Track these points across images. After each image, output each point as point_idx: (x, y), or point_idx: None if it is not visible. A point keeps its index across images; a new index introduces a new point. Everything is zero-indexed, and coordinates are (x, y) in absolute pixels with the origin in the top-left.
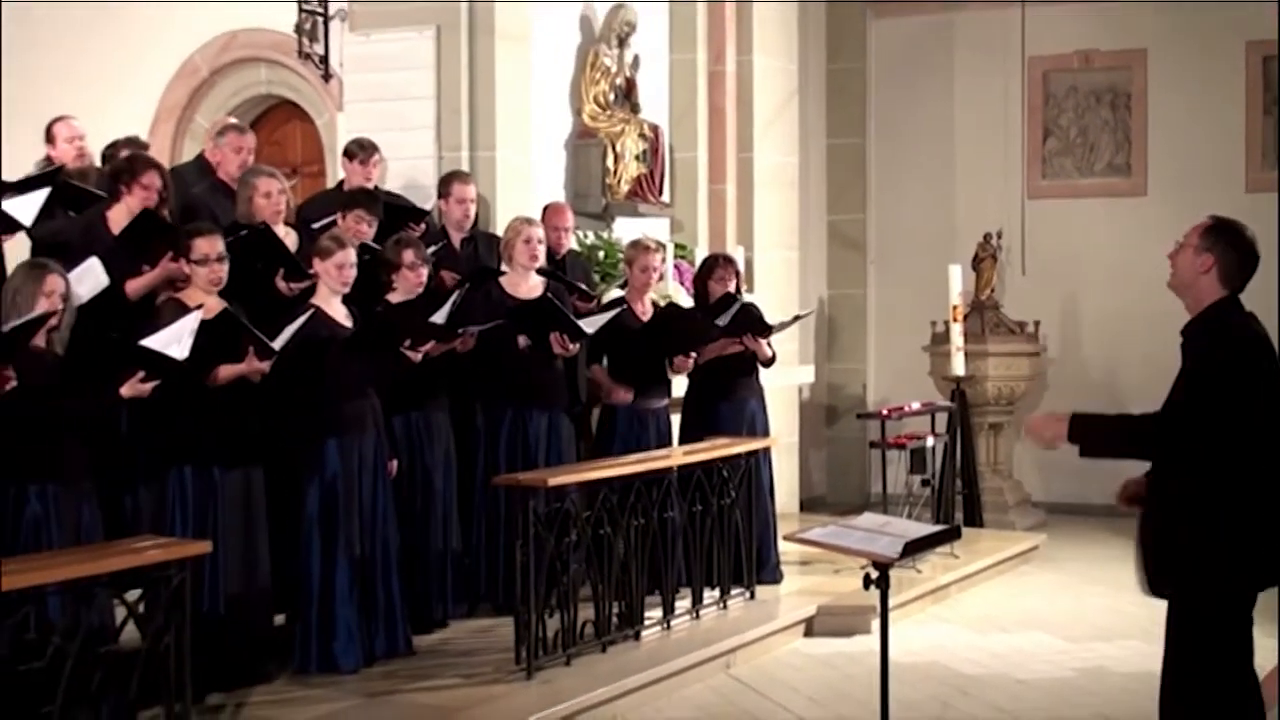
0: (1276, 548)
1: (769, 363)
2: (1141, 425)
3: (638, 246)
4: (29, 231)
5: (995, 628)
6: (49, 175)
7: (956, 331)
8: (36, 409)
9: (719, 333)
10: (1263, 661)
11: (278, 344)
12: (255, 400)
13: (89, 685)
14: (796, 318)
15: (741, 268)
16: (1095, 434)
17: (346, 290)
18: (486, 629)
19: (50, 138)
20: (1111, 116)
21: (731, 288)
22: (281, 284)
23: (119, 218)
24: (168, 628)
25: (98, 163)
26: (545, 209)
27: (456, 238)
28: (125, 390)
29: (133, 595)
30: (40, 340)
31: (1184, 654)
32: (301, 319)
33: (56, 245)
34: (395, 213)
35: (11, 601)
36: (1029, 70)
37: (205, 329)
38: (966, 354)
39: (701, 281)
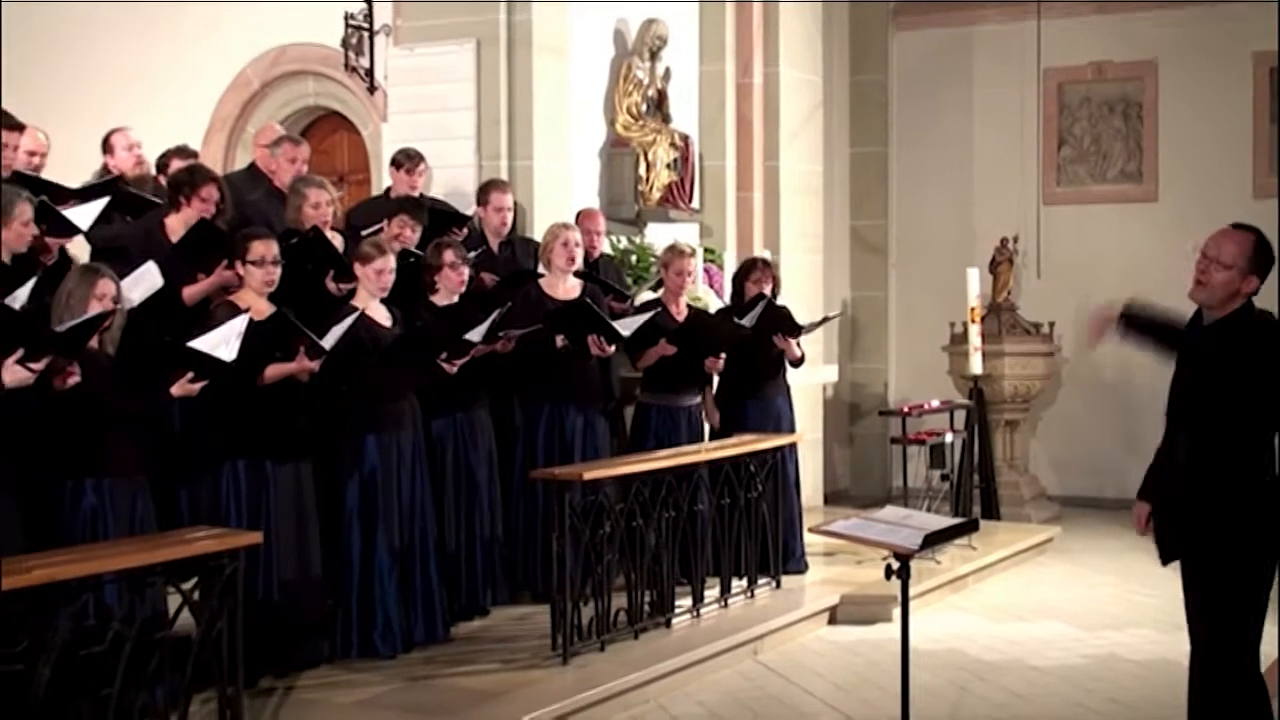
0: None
1: (798, 363)
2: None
3: (673, 251)
4: (88, 236)
5: (1011, 616)
6: (108, 184)
7: (974, 332)
8: (91, 407)
9: (746, 333)
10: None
11: (328, 344)
12: (303, 398)
13: (146, 669)
14: (826, 319)
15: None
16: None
17: (385, 294)
18: (524, 616)
19: (108, 148)
20: (1124, 125)
21: (768, 290)
22: (332, 285)
23: (176, 227)
24: (221, 614)
25: (153, 169)
26: (579, 214)
27: (495, 243)
28: (175, 390)
29: (189, 584)
30: (93, 341)
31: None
32: (349, 320)
33: (115, 250)
34: (438, 218)
35: (71, 590)
36: (1044, 81)
37: (259, 329)
38: (984, 354)
39: (739, 283)
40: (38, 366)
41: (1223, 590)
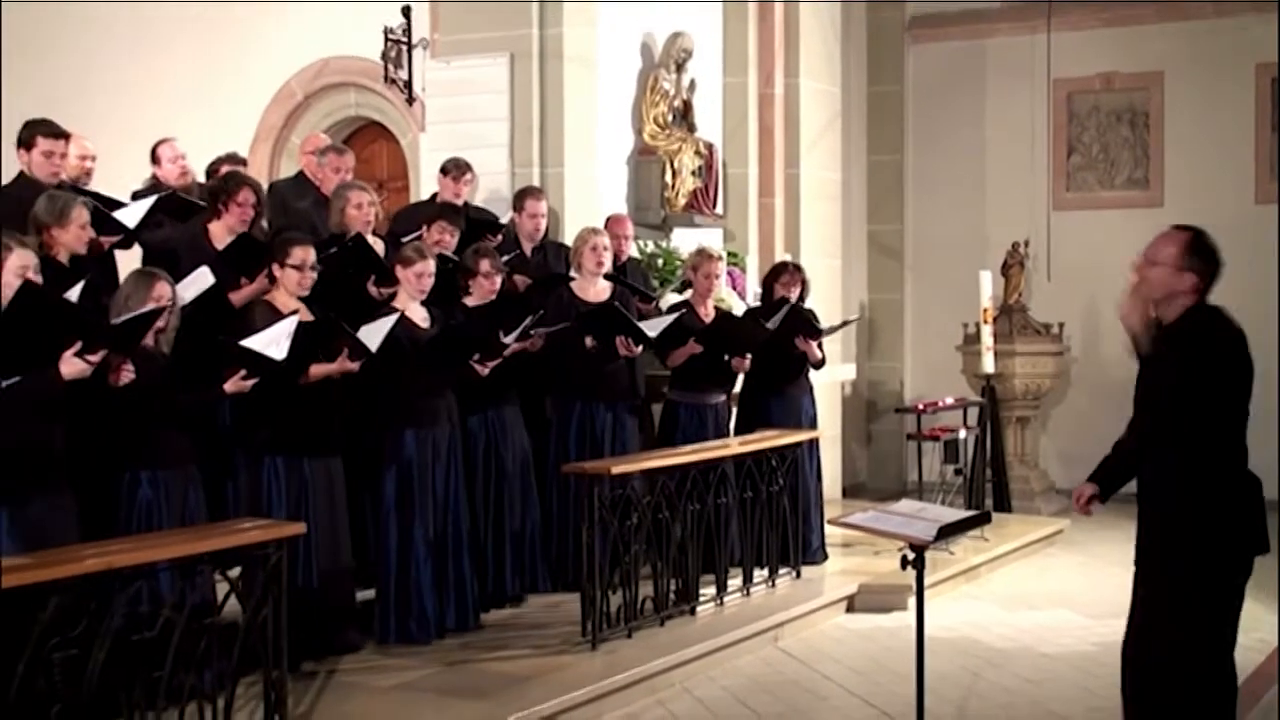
0: (1255, 523)
1: (819, 365)
2: (1124, 451)
3: (702, 255)
4: (140, 240)
5: (1022, 605)
6: (159, 195)
7: (987, 332)
8: (148, 403)
9: (769, 334)
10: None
11: (373, 346)
12: (339, 397)
13: (195, 653)
14: (845, 322)
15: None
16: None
17: (424, 296)
18: (555, 604)
19: (155, 158)
20: (1130, 134)
21: (796, 292)
22: (373, 289)
23: (219, 232)
24: (265, 601)
25: (201, 178)
26: (608, 219)
27: (528, 247)
28: (229, 387)
29: (234, 572)
30: (149, 340)
31: (1163, 624)
32: (391, 321)
33: (165, 252)
34: (476, 225)
35: (125, 577)
36: (1054, 91)
37: (305, 331)
38: (996, 353)
39: (769, 285)
40: (94, 359)
41: (1192, 598)
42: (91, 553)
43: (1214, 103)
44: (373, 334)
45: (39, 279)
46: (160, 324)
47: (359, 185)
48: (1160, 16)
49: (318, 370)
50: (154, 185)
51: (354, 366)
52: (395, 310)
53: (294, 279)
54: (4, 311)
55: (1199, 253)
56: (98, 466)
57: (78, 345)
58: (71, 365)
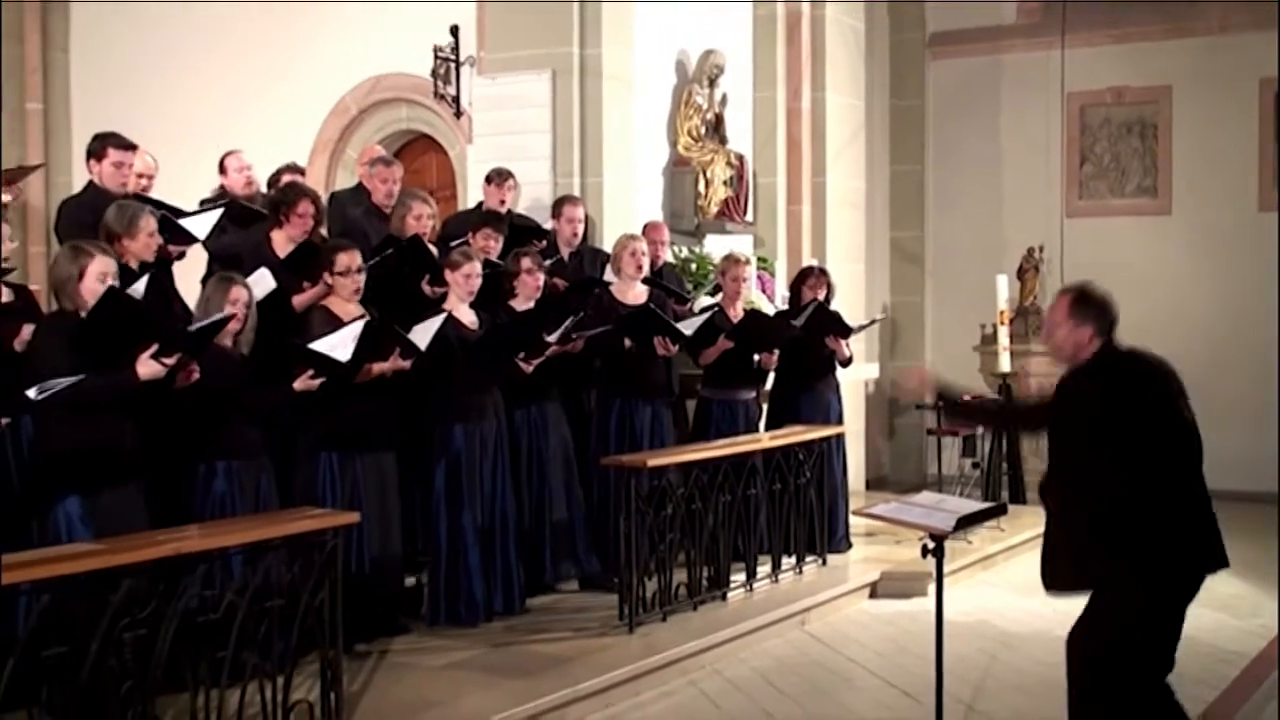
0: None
1: (847, 362)
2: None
3: (730, 260)
4: (207, 246)
5: (1036, 592)
6: (225, 205)
7: (1003, 334)
8: (222, 399)
9: (795, 332)
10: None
11: (423, 345)
12: (391, 395)
13: (256, 634)
14: (873, 321)
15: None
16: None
17: (472, 298)
18: (594, 589)
19: (223, 169)
20: (1140, 145)
21: (821, 295)
22: (427, 288)
23: (280, 240)
24: (323, 585)
25: (263, 187)
26: (646, 226)
27: (566, 252)
28: (298, 385)
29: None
30: (227, 341)
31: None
32: (439, 321)
33: (231, 258)
34: (520, 231)
35: (191, 562)
36: (1067, 104)
37: (367, 332)
38: (1012, 353)
39: (796, 288)
40: (170, 362)
41: (1121, 629)
42: (159, 539)
43: (1219, 115)
44: (422, 334)
45: (117, 284)
46: (236, 325)
47: (421, 197)
48: (1168, 34)
49: (376, 368)
50: (221, 194)
51: (406, 365)
52: (444, 311)
53: (345, 285)
54: (89, 314)
55: (1086, 304)
56: (174, 459)
57: (154, 348)
58: (148, 366)
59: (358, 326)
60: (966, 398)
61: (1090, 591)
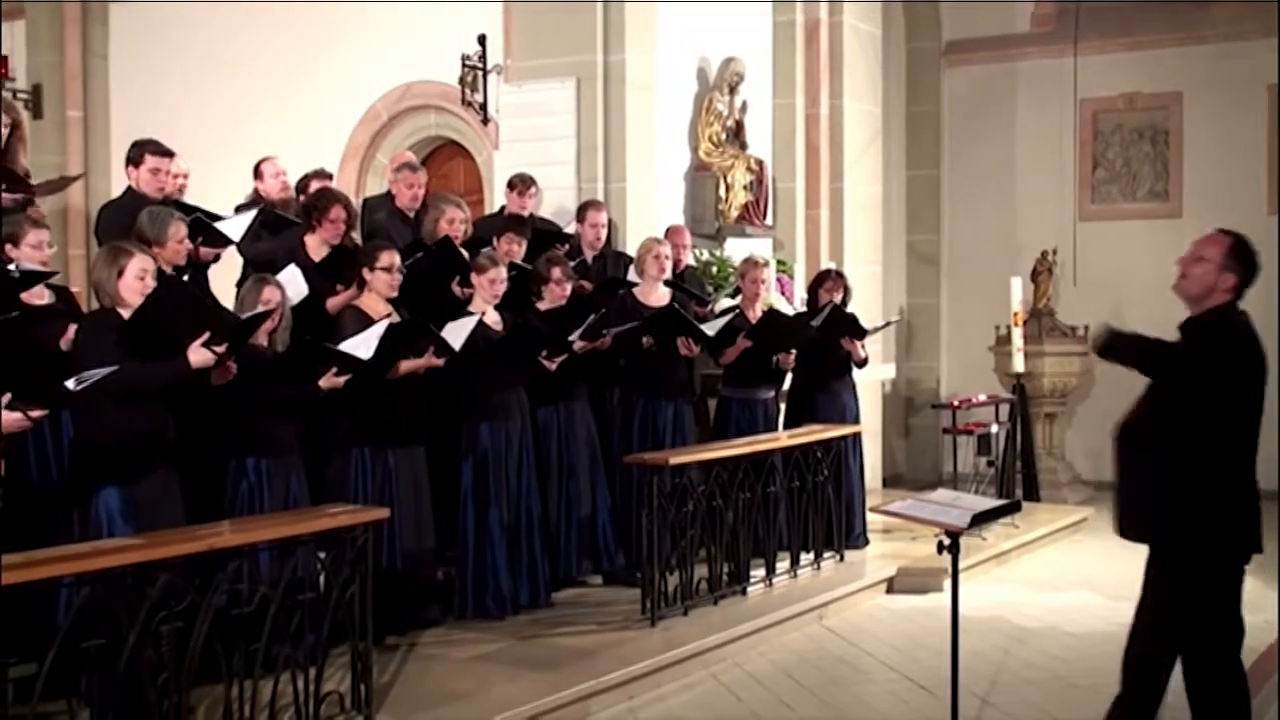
0: (1249, 518)
1: (862, 364)
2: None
3: (749, 262)
4: (242, 251)
5: (1049, 588)
6: (257, 211)
7: (1017, 335)
8: (254, 395)
9: (812, 332)
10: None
11: (456, 344)
12: (422, 392)
13: (289, 627)
14: (889, 323)
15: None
16: (1122, 345)
17: (497, 300)
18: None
19: (258, 174)
20: (1152, 150)
21: (838, 297)
22: (457, 289)
23: (314, 245)
24: (353, 579)
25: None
26: (669, 230)
27: (589, 255)
28: (323, 383)
29: (324, 553)
30: (262, 340)
31: (1166, 602)
32: (472, 323)
33: (265, 263)
34: (543, 236)
35: (227, 557)
36: (1080, 110)
37: (395, 330)
38: (1026, 354)
39: (814, 290)
40: (220, 350)
41: (1198, 593)
42: (197, 535)
43: (1229, 121)
44: (455, 334)
45: (154, 284)
46: (270, 325)
47: (454, 201)
48: (1179, 41)
49: (406, 366)
50: (256, 199)
51: (439, 362)
52: (473, 313)
53: (384, 280)
54: (144, 301)
55: (1242, 254)
56: (207, 454)
57: (206, 335)
58: (199, 355)
59: (380, 327)
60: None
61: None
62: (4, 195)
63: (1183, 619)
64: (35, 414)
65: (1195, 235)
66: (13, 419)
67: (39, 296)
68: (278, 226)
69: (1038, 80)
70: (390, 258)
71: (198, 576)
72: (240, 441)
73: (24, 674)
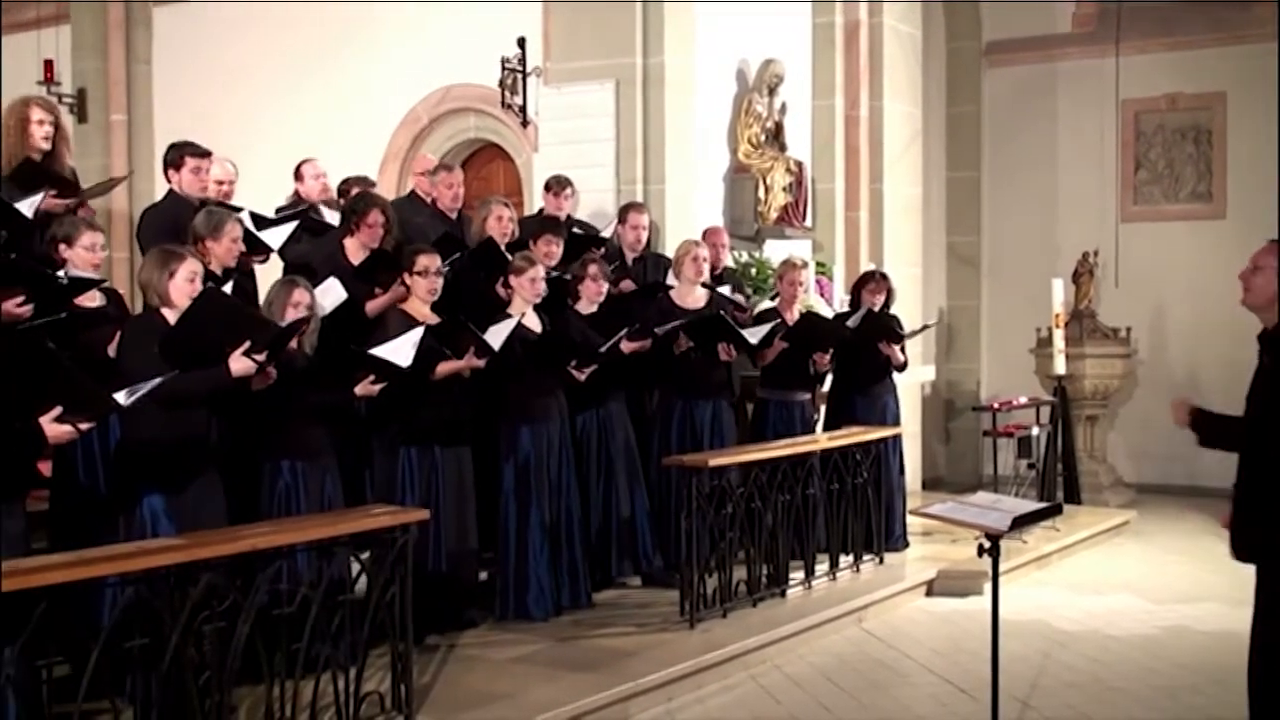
0: None
1: (902, 368)
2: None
3: (787, 264)
4: (282, 255)
5: (1090, 591)
6: (298, 214)
7: (1058, 336)
8: (289, 400)
9: (848, 334)
10: None
11: (495, 344)
12: (467, 393)
13: (330, 627)
14: (925, 326)
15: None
16: (1210, 429)
17: (538, 300)
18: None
19: (298, 176)
20: (1194, 150)
21: (881, 299)
22: (501, 290)
23: (353, 248)
24: (394, 580)
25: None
26: (706, 230)
27: (630, 257)
28: (358, 390)
29: (366, 553)
30: (292, 343)
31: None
32: (511, 324)
33: (304, 266)
34: (579, 239)
35: (268, 558)
36: (1122, 111)
37: (433, 331)
38: (1067, 356)
39: (857, 292)
40: (260, 359)
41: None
42: (239, 535)
43: (1273, 120)
44: (496, 335)
45: (201, 286)
46: (303, 327)
47: (502, 201)
48: (1221, 41)
49: (446, 367)
50: (296, 201)
51: (480, 363)
52: (512, 315)
53: (422, 285)
54: (186, 311)
55: None
56: (244, 457)
57: (246, 344)
58: (241, 363)
59: (416, 335)
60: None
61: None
62: (52, 199)
63: None
64: (84, 426)
65: (1238, 236)
66: (61, 432)
67: (90, 299)
68: (318, 230)
69: (1079, 81)
70: (427, 261)
71: (240, 577)
72: (275, 444)
73: (63, 674)
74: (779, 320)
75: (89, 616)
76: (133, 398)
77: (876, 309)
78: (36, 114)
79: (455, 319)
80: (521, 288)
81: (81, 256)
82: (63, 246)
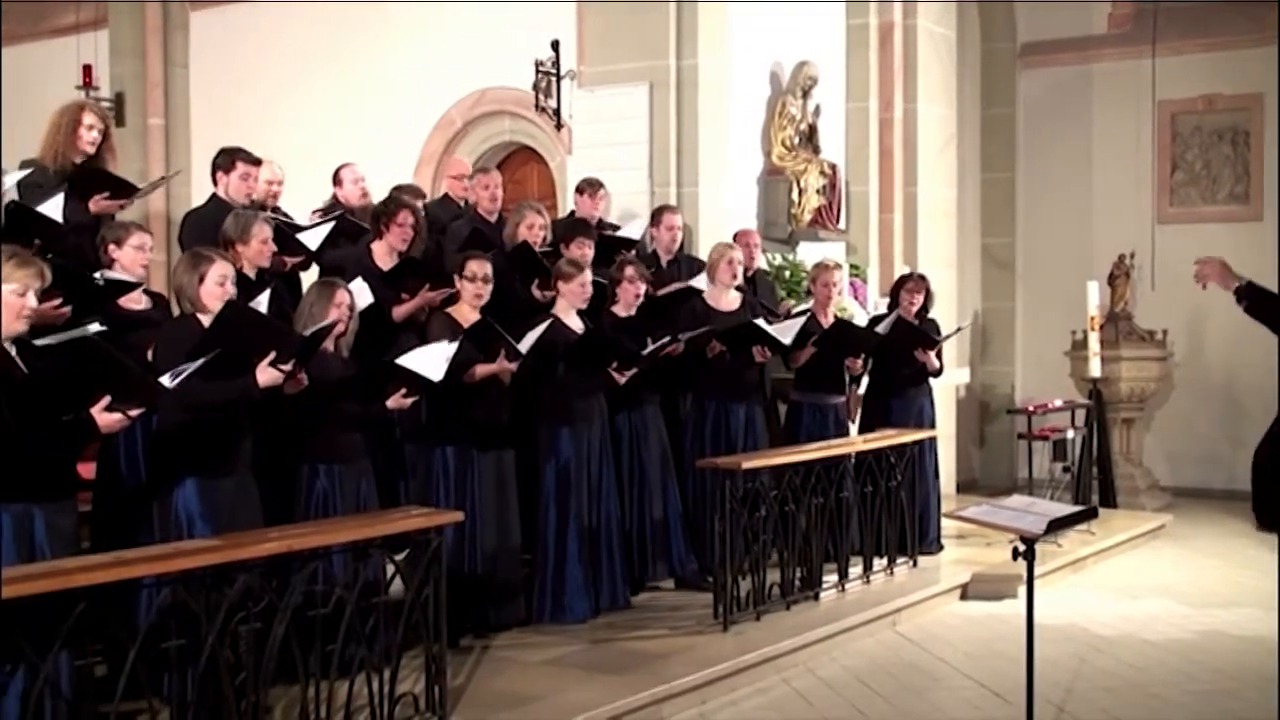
0: None
1: (937, 373)
2: None
3: (820, 266)
4: (318, 259)
5: (1126, 595)
6: (335, 217)
7: (1094, 339)
8: (324, 406)
9: (878, 339)
10: None
11: (524, 348)
12: (504, 395)
13: (364, 628)
14: (958, 329)
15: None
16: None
17: (585, 305)
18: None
19: (337, 180)
20: (1232, 152)
21: (920, 300)
22: (537, 292)
23: (382, 251)
24: (427, 581)
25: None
26: (738, 232)
27: (665, 259)
28: (390, 404)
29: (401, 555)
30: (329, 345)
31: None
32: (542, 328)
33: (336, 270)
34: (610, 240)
35: (303, 559)
36: (1159, 112)
37: (467, 335)
38: (1102, 358)
39: (895, 293)
40: (286, 368)
41: None
42: (274, 536)
43: None
44: (526, 339)
45: (234, 289)
46: (340, 329)
47: (536, 207)
48: (1259, 41)
49: (481, 370)
50: (334, 205)
51: (512, 367)
52: (550, 315)
53: (470, 290)
54: (210, 326)
55: None
56: (281, 459)
57: (272, 355)
58: (267, 374)
59: (450, 349)
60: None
61: None
62: (105, 201)
63: None
64: (134, 413)
65: (1275, 237)
66: (112, 420)
67: (136, 302)
68: (355, 234)
69: (1114, 82)
70: (476, 267)
71: (275, 578)
72: (312, 448)
73: (101, 674)
74: (809, 314)
75: (126, 616)
76: (176, 379)
77: (913, 312)
78: (88, 119)
79: (485, 322)
80: (571, 294)
81: (130, 257)
82: (112, 247)
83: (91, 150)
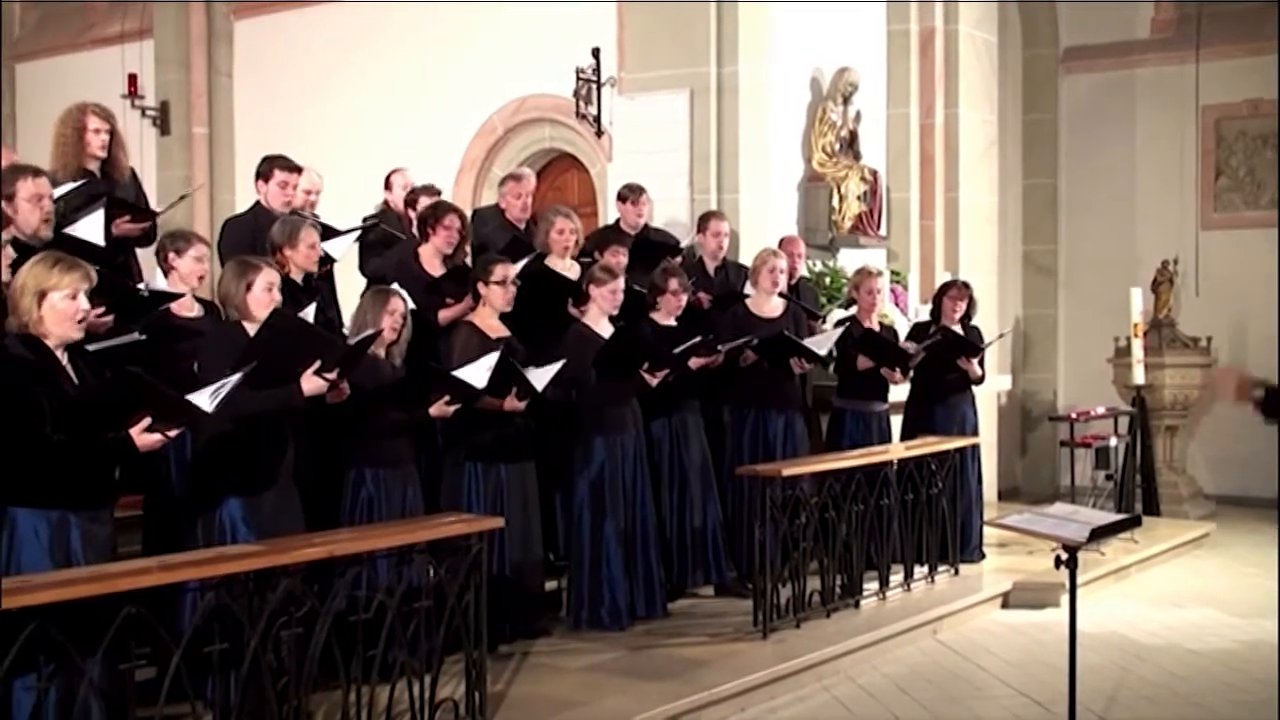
0: None
1: (979, 381)
2: None
3: (863, 273)
4: (361, 269)
5: (1170, 604)
6: (365, 225)
7: (1137, 346)
8: (371, 413)
9: (909, 358)
10: None
11: (539, 385)
12: (533, 411)
13: (405, 633)
14: (1000, 335)
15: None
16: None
17: (616, 311)
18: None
19: (388, 185)
20: (1276, 157)
21: (963, 307)
22: (574, 310)
23: (429, 255)
24: (468, 588)
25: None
26: (782, 239)
27: (711, 266)
28: (433, 411)
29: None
30: (380, 352)
31: None
32: (556, 368)
33: (380, 278)
34: (654, 246)
35: (345, 564)
36: (1202, 117)
37: (497, 368)
38: (1146, 365)
39: (938, 299)
40: (332, 377)
41: None
42: (317, 542)
43: None
44: (541, 376)
45: (279, 295)
46: (391, 336)
47: (564, 213)
48: None
49: (489, 404)
50: (384, 210)
51: (520, 406)
52: (563, 359)
53: (498, 294)
54: (256, 334)
55: None
56: (326, 465)
57: (317, 364)
58: (311, 383)
59: (493, 358)
60: None
61: None
62: (126, 225)
63: None
64: (173, 433)
65: None
66: (151, 440)
67: (188, 309)
68: (390, 242)
69: (1158, 87)
70: (503, 270)
71: (317, 583)
72: (358, 453)
73: (146, 678)
74: (846, 328)
75: (171, 621)
76: (215, 401)
77: (956, 319)
78: (93, 122)
79: (502, 358)
80: (603, 299)
81: (189, 268)
82: (172, 256)
83: (103, 154)
